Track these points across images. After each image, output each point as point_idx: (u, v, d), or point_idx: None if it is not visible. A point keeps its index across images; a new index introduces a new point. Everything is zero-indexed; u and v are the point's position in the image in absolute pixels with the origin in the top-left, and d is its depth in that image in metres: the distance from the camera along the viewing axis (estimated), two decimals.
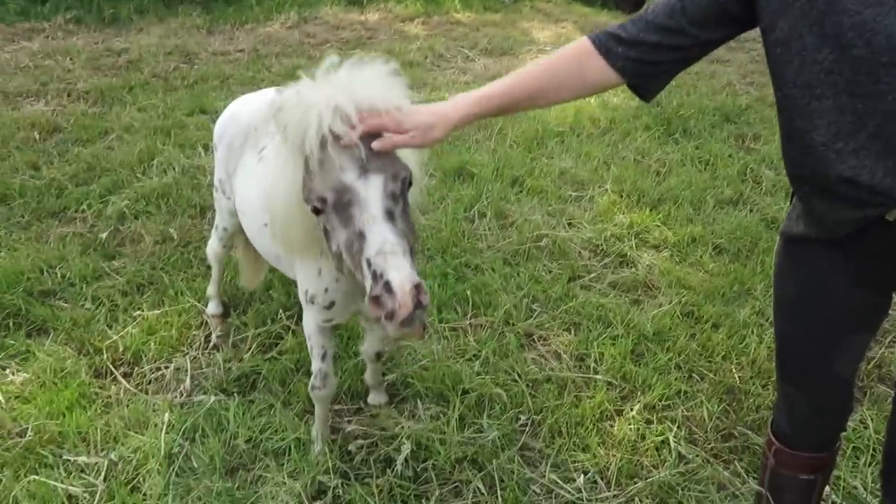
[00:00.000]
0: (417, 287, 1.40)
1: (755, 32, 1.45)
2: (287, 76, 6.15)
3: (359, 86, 1.52)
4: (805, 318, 1.62)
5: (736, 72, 6.55)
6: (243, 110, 2.53)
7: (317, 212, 1.55)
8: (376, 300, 1.40)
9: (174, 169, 4.35)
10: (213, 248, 2.93)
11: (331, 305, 2.05)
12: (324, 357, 2.24)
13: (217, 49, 6.93)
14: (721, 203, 4.14)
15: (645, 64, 1.48)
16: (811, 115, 1.34)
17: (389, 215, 1.49)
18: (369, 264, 1.43)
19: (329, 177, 1.50)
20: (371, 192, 1.49)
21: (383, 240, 1.44)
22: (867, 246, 1.42)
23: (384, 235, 1.45)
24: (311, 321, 2.18)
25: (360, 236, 1.47)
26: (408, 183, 1.58)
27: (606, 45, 1.49)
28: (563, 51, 1.55)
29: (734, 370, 2.85)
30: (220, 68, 6.34)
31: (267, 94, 2.59)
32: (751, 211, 4.07)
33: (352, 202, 1.49)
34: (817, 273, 1.55)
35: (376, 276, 1.41)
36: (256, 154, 2.31)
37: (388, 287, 1.38)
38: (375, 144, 1.50)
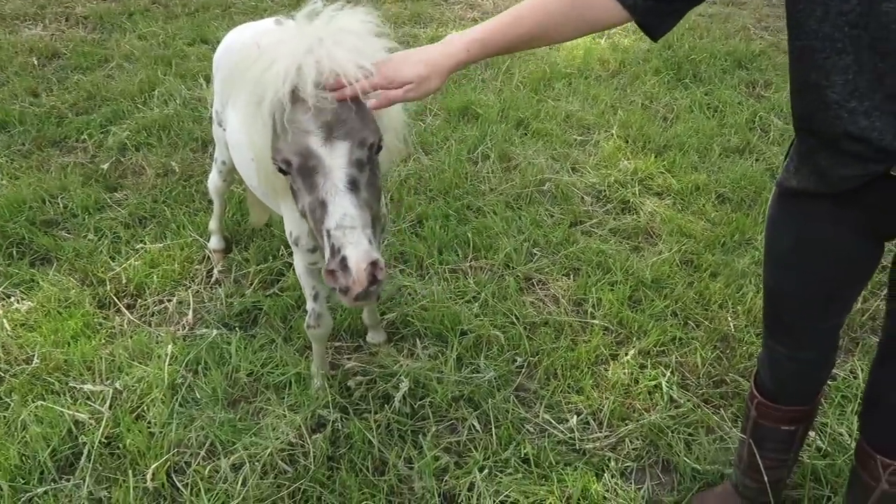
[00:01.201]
0: (374, 263, 1.40)
1: None
2: (290, 6, 5.99)
3: (331, 44, 1.44)
4: (800, 270, 1.61)
5: (751, 15, 6.37)
6: (239, 41, 2.47)
7: (283, 172, 1.52)
8: (332, 274, 1.42)
9: (175, 100, 4.30)
10: (213, 181, 2.92)
11: (314, 249, 2.05)
12: (316, 297, 2.26)
13: None
14: (727, 151, 4.10)
15: (658, 1, 1.41)
16: (829, 71, 1.29)
17: (353, 185, 1.46)
18: (328, 236, 1.43)
19: (294, 139, 1.45)
20: (335, 160, 1.45)
21: (343, 213, 1.42)
22: (867, 198, 1.40)
23: (345, 208, 1.43)
24: (299, 262, 2.19)
25: (322, 205, 1.45)
26: (376, 148, 1.53)
27: None
28: None
29: (730, 318, 2.88)
30: None
31: (265, 25, 2.53)
32: (757, 160, 4.03)
33: (316, 169, 1.45)
34: (815, 224, 1.54)
35: (334, 250, 1.41)
36: None
37: (343, 263, 1.39)
38: (372, 103, 1.45)
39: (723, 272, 3.11)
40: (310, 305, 2.29)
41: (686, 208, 3.60)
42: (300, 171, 1.48)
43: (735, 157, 4.05)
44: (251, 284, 2.95)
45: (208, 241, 3.11)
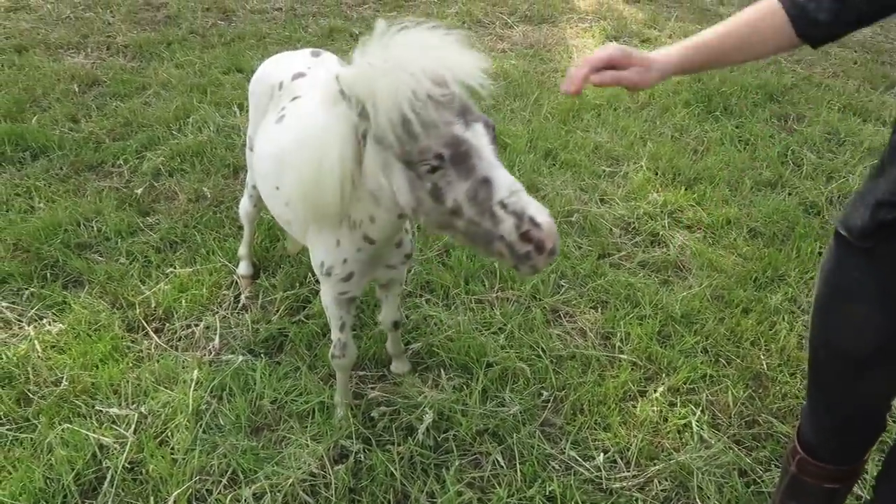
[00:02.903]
0: None
1: None
2: (322, 36, 6.10)
3: (435, 49, 1.55)
4: (835, 322, 1.56)
5: None
6: (274, 70, 2.51)
7: (434, 169, 1.55)
8: (526, 235, 1.48)
9: (209, 127, 4.38)
10: (244, 207, 2.95)
11: (349, 277, 2.05)
12: (342, 328, 2.26)
13: (254, 7, 6.88)
14: (759, 185, 4.05)
15: (832, 24, 1.37)
16: None
17: (498, 160, 1.56)
18: (504, 206, 1.49)
19: (439, 133, 1.52)
20: (481, 140, 1.55)
21: (510, 181, 1.52)
22: (891, 258, 1.37)
23: (508, 178, 1.52)
24: (328, 293, 2.18)
25: (486, 182, 1.51)
26: (493, 129, 1.62)
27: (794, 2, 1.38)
28: (753, 7, 1.44)
29: (762, 357, 2.81)
30: (257, 27, 6.31)
31: (300, 55, 2.57)
32: (789, 194, 3.97)
33: (469, 153, 1.53)
34: (848, 275, 1.48)
35: (518, 214, 1.48)
36: (276, 116, 2.31)
37: (533, 221, 1.48)
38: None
39: (755, 308, 3.04)
40: (336, 336, 2.28)
41: (717, 242, 3.54)
42: (453, 161, 1.53)
43: (767, 191, 3.99)
44: (277, 311, 2.96)
45: (237, 266, 3.14)
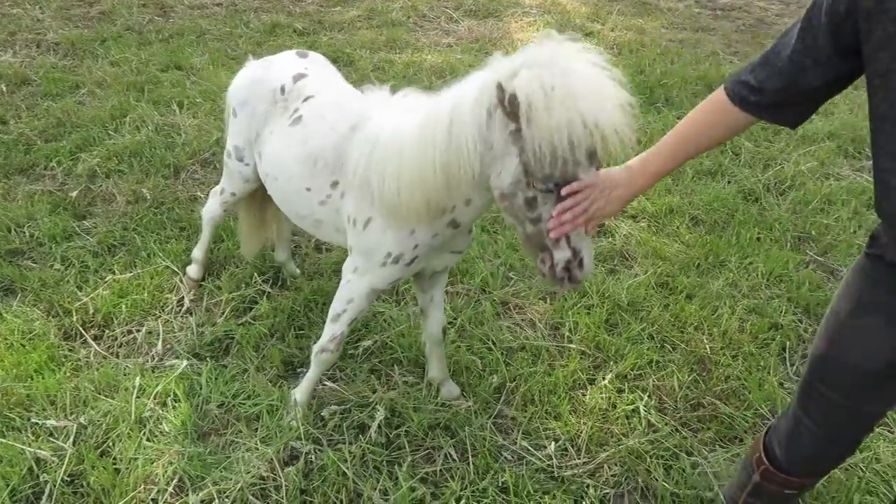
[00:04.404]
0: None
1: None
2: (266, 32, 5.99)
3: (601, 91, 1.61)
4: (854, 340, 1.50)
5: (720, 41, 6.50)
6: (268, 75, 2.42)
7: (547, 191, 1.65)
8: (568, 269, 1.71)
9: (147, 126, 4.25)
10: (211, 210, 2.86)
11: (412, 261, 2.05)
12: (351, 322, 2.24)
13: (193, 2, 6.71)
14: (700, 174, 4.15)
15: (780, 106, 1.53)
16: None
17: None
18: (569, 239, 1.69)
19: (567, 170, 1.61)
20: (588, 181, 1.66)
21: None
22: None
23: None
24: (365, 285, 2.13)
25: None
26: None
27: (740, 94, 1.56)
28: (704, 106, 1.67)
29: (705, 341, 2.88)
30: (197, 22, 6.15)
31: (287, 56, 2.50)
32: (728, 182, 4.08)
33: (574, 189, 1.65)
34: (875, 293, 1.45)
35: (575, 252, 1.70)
36: (288, 118, 2.28)
37: (582, 263, 1.72)
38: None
39: (698, 294, 3.12)
40: (339, 329, 2.23)
41: (660, 231, 3.62)
42: (560, 191, 1.65)
43: (707, 180, 4.09)
44: (223, 313, 2.89)
45: (187, 267, 3.04)
